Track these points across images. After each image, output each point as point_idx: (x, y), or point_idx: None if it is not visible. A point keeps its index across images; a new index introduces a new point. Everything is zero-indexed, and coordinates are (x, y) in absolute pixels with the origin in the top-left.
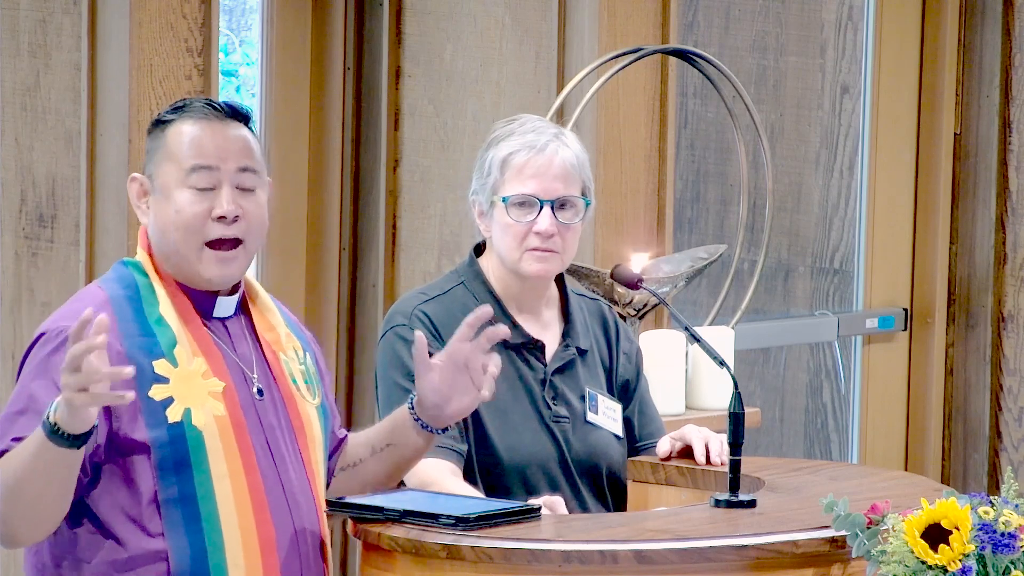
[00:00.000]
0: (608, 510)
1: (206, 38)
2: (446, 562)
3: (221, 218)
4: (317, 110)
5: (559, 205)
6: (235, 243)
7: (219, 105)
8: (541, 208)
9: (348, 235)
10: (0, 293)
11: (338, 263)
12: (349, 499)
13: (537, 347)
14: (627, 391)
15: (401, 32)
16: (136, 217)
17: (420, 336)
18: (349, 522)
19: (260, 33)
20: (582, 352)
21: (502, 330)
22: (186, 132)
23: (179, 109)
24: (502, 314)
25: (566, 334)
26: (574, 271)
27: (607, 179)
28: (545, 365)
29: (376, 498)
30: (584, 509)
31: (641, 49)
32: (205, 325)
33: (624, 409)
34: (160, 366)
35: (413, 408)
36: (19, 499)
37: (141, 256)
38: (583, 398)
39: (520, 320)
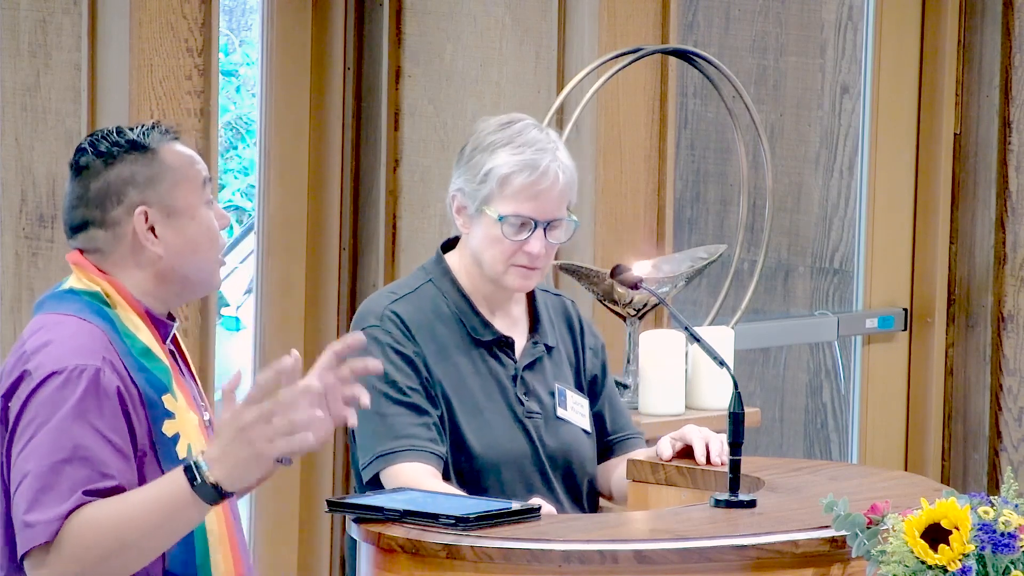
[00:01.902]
0: (579, 504)
1: (206, 38)
2: (446, 562)
3: (223, 228)
4: (317, 110)
5: (551, 226)
6: None
7: (170, 128)
8: (534, 229)
9: (348, 235)
10: (0, 293)
11: (338, 263)
12: (349, 499)
13: (507, 344)
14: (595, 386)
15: (401, 32)
16: None
17: (297, 355)
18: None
19: (260, 33)
20: (549, 348)
21: (372, 365)
22: (180, 151)
23: (147, 133)
24: (472, 311)
25: (534, 331)
26: (574, 271)
27: (607, 179)
28: (515, 361)
29: (376, 498)
30: (556, 503)
31: (641, 49)
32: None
33: (594, 404)
34: (167, 400)
35: None
36: (130, 552)
37: (94, 286)
38: (552, 394)
39: (489, 317)
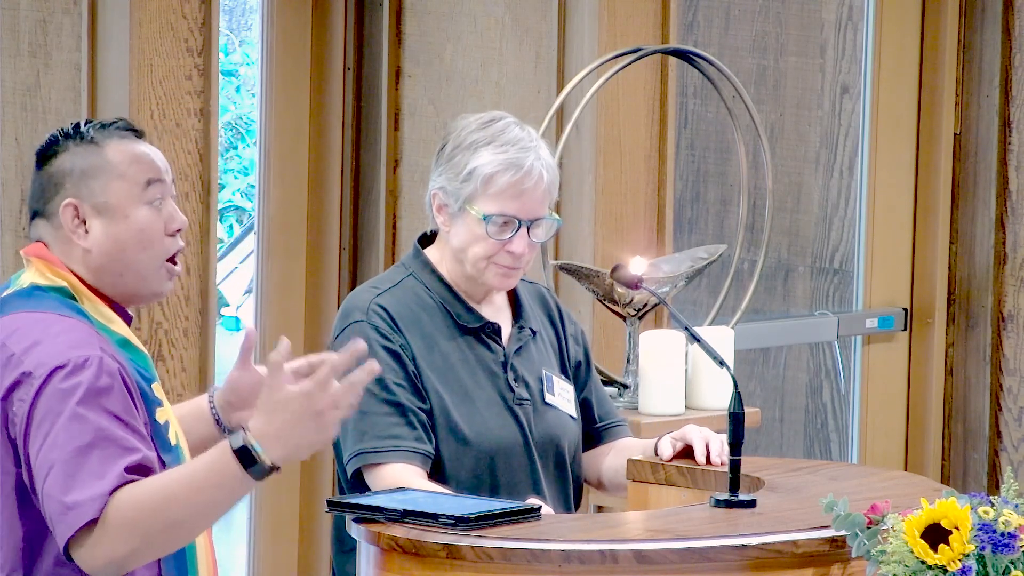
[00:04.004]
0: (565, 491)
1: (206, 38)
2: (446, 562)
3: (177, 231)
4: (317, 110)
5: (533, 225)
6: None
7: (131, 125)
8: (518, 228)
9: (348, 235)
10: None
11: (338, 263)
12: (349, 499)
13: (494, 330)
14: (580, 372)
15: (401, 32)
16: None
17: (251, 331)
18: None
19: (260, 33)
20: (534, 333)
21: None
22: (128, 149)
23: (103, 128)
24: (456, 299)
25: (518, 316)
26: (574, 271)
27: (607, 179)
28: (503, 347)
29: (376, 498)
30: (540, 491)
31: (641, 49)
32: None
33: (580, 391)
34: (156, 389)
35: (213, 398)
36: (177, 530)
37: (58, 281)
38: (540, 379)
39: (474, 305)
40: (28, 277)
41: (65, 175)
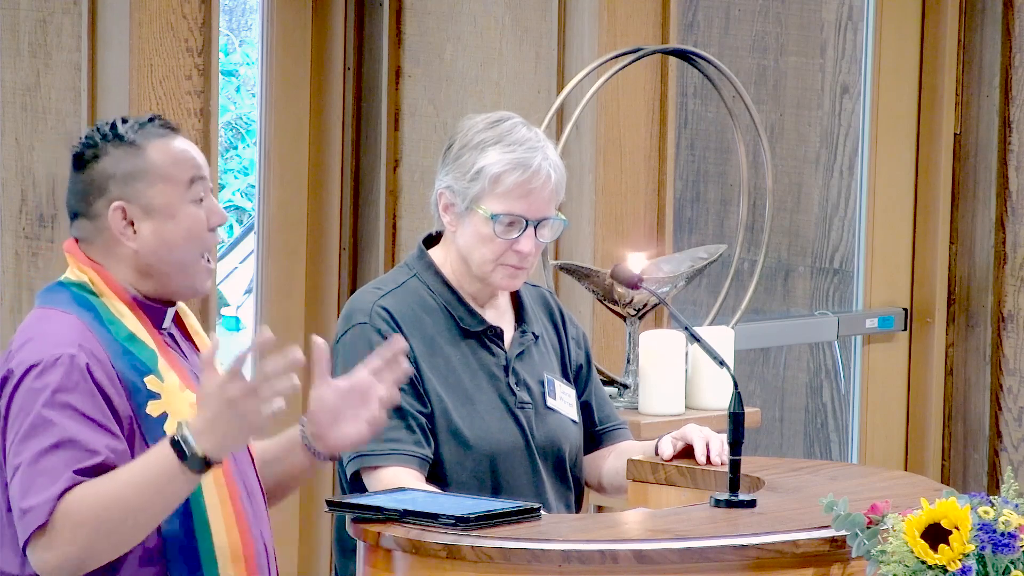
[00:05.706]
0: (566, 495)
1: (206, 38)
2: (446, 562)
3: (217, 226)
4: (317, 110)
5: (540, 225)
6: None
7: (167, 122)
8: (525, 228)
9: (348, 235)
10: (0, 293)
11: (338, 263)
12: (349, 499)
13: (496, 334)
14: (580, 376)
15: (401, 32)
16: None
17: (321, 343)
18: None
19: (260, 33)
20: (536, 337)
21: (406, 368)
22: (171, 149)
23: (140, 128)
24: (459, 303)
25: (520, 320)
26: (574, 271)
27: (607, 179)
28: (505, 352)
29: (376, 498)
30: (542, 495)
31: (641, 49)
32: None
33: (581, 394)
34: (151, 382)
35: (304, 426)
36: (124, 528)
37: (83, 276)
38: (541, 383)
39: (477, 308)
40: (66, 272)
41: (108, 178)
